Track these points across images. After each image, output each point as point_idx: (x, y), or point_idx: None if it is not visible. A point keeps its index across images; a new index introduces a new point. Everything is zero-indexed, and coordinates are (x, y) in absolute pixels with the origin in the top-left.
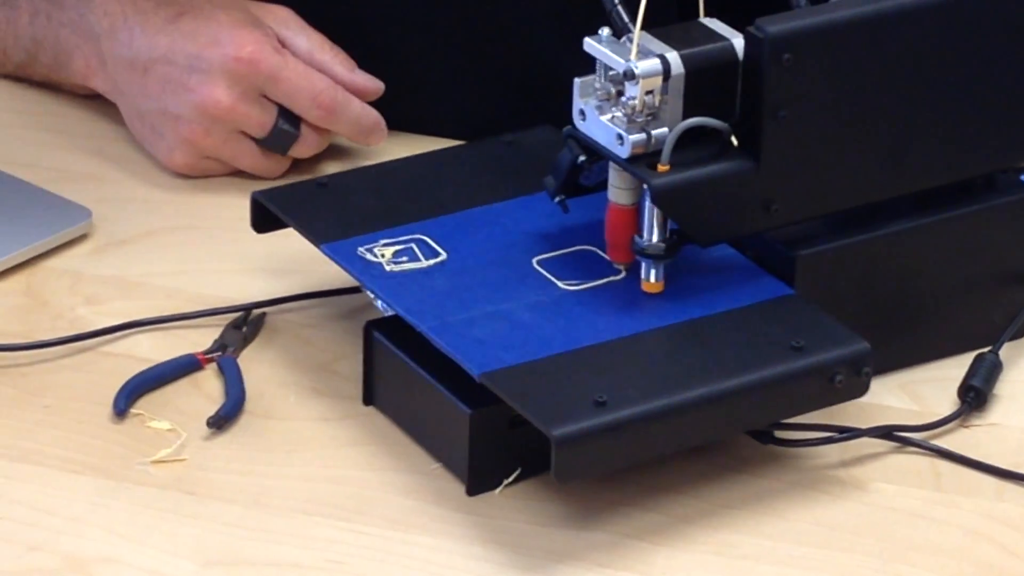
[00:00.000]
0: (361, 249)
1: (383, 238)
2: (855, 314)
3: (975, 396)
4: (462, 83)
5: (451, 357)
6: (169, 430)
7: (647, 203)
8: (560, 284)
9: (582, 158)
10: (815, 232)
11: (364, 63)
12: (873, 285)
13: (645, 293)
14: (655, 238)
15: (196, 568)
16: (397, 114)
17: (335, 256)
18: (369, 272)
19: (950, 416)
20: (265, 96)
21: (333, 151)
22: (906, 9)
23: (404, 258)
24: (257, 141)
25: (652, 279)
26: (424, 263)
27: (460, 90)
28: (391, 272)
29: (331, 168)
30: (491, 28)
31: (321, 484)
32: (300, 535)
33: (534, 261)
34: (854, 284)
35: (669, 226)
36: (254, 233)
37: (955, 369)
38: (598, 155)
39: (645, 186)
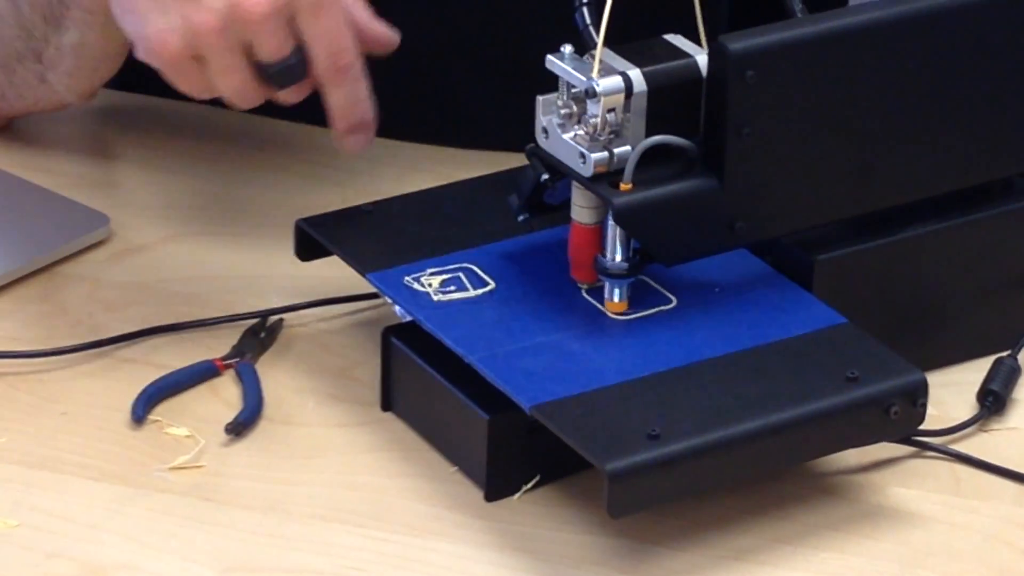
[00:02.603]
0: (408, 278)
1: (430, 267)
2: (873, 318)
3: (994, 400)
4: (465, 93)
5: (501, 390)
6: (187, 437)
7: (610, 222)
8: (610, 314)
9: (545, 176)
10: (833, 236)
11: (370, 72)
12: (891, 289)
13: (697, 322)
14: (618, 257)
15: (214, 575)
16: (399, 122)
17: (381, 286)
18: (416, 302)
19: (969, 421)
20: (294, 25)
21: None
22: (871, 25)
23: (452, 287)
24: (258, 68)
25: (616, 299)
26: (472, 292)
27: (464, 100)
28: (439, 302)
29: (376, 194)
30: (497, 38)
31: (339, 490)
32: (318, 541)
33: (583, 290)
34: (872, 288)
35: (632, 245)
36: (271, 238)
37: (973, 373)
38: (561, 173)
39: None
